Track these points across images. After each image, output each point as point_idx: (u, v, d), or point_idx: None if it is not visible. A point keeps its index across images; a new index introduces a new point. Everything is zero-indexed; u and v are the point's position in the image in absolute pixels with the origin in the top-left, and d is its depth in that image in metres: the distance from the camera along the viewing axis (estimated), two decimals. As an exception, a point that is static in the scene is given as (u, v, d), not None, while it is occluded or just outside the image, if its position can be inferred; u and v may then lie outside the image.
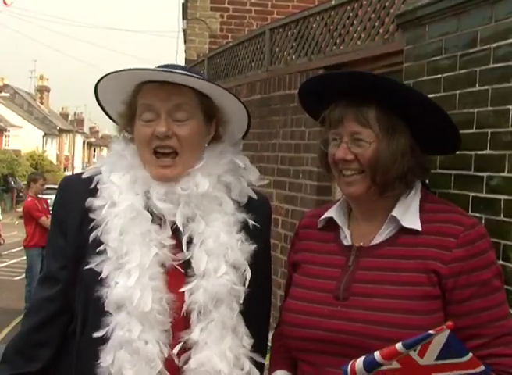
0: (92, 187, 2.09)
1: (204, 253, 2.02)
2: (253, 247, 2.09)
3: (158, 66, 2.13)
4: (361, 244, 2.02)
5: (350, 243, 2.04)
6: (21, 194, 37.89)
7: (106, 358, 1.94)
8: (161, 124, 2.03)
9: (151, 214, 2.04)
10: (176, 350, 1.97)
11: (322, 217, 2.13)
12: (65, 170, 63.12)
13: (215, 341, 1.99)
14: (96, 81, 2.13)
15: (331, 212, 2.12)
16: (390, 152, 1.94)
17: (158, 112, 2.05)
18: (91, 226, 2.04)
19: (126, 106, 2.13)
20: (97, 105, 2.23)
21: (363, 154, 1.95)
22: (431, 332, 1.60)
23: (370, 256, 1.98)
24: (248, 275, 2.06)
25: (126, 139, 2.18)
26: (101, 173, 2.12)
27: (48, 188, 13.41)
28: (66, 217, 2.10)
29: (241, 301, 2.04)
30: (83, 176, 2.16)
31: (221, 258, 2.03)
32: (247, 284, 2.05)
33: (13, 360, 2.10)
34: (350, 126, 1.96)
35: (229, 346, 2.01)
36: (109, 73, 2.09)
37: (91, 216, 2.04)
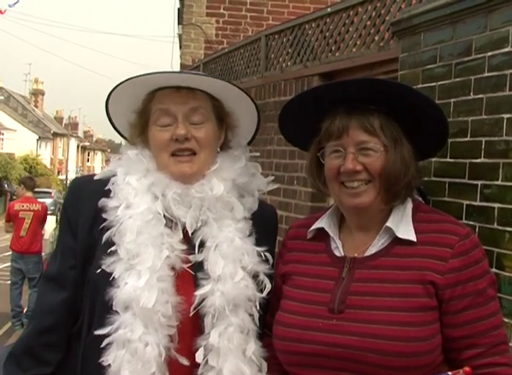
0: (106, 188, 2.10)
1: (219, 257, 2.03)
2: (265, 253, 2.10)
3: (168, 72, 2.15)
4: (355, 255, 2.00)
5: (342, 254, 2.02)
6: (14, 197, 37.76)
7: (108, 356, 1.95)
8: (180, 127, 2.05)
9: (164, 217, 2.05)
10: (199, 357, 1.97)
11: (312, 228, 2.11)
12: (58, 174, 63.01)
13: (238, 346, 2.00)
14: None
15: (321, 223, 2.10)
16: (402, 160, 1.94)
17: (174, 116, 2.07)
18: (103, 226, 2.04)
19: (139, 114, 2.14)
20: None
21: (372, 163, 1.93)
22: (449, 373, 1.67)
23: (364, 268, 1.96)
24: (268, 284, 2.08)
25: (138, 145, 2.17)
26: (115, 175, 2.12)
27: (41, 192, 13.37)
28: (78, 217, 2.10)
29: (258, 307, 2.05)
30: (96, 177, 2.17)
31: (237, 263, 2.04)
32: (265, 292, 2.07)
33: (22, 361, 2.09)
34: (356, 136, 1.94)
35: (252, 351, 2.02)
36: (127, 80, 2.09)
37: (104, 216, 2.05)
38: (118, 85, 2.12)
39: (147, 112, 2.12)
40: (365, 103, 1.96)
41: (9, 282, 11.14)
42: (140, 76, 2.08)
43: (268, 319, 2.15)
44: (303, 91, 2.16)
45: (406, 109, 1.97)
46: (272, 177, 2.32)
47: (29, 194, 10.94)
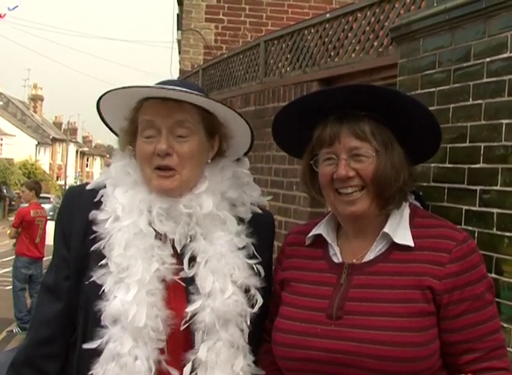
0: (96, 199, 2.09)
1: (209, 272, 2.02)
2: (258, 266, 2.09)
3: (160, 82, 2.14)
4: (354, 261, 2.00)
5: (340, 260, 2.03)
6: (13, 203, 37.71)
7: (98, 369, 1.94)
8: (161, 141, 2.03)
9: (154, 230, 2.04)
10: (186, 372, 1.96)
11: (310, 234, 2.11)
12: (57, 179, 62.98)
13: (226, 361, 1.98)
14: (96, 98, 2.14)
15: (319, 229, 2.10)
16: (393, 165, 1.95)
17: (159, 128, 2.05)
18: (94, 238, 2.04)
19: (129, 122, 2.14)
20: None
21: (364, 169, 1.93)
22: None
23: (362, 274, 1.96)
24: (260, 299, 2.06)
25: (128, 154, 2.18)
26: (105, 187, 2.12)
27: (40, 197, 13.35)
28: (71, 228, 2.10)
29: (249, 322, 2.03)
30: (88, 187, 2.16)
31: (227, 278, 2.03)
32: (256, 307, 2.05)
33: (22, 372, 2.09)
34: (347, 142, 1.95)
35: (241, 367, 2.01)
36: (108, 91, 2.09)
37: (94, 228, 2.04)
38: (102, 95, 2.12)
39: (136, 121, 2.11)
40: (356, 109, 1.97)
41: (10, 288, 11.12)
42: (123, 88, 2.06)
43: (267, 325, 2.16)
44: (290, 101, 2.15)
45: (398, 115, 1.98)
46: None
47: (36, 199, 10.91)
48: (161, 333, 1.95)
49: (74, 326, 2.08)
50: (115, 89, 2.08)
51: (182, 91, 2.02)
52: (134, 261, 1.99)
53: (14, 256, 10.94)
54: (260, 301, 2.06)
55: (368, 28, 4.54)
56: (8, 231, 11.35)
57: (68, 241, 2.10)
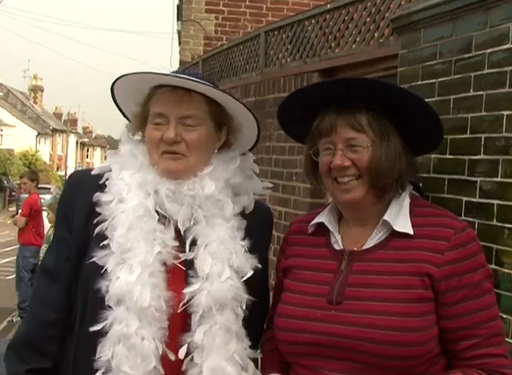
0: (101, 182, 2.11)
1: (208, 256, 2.05)
2: (255, 253, 2.11)
3: (172, 72, 2.18)
4: (354, 248, 2.03)
5: (341, 247, 2.06)
6: (13, 193, 37.73)
7: (106, 352, 1.95)
8: (170, 130, 2.06)
9: (157, 213, 2.06)
10: (182, 353, 1.98)
11: (313, 222, 2.15)
12: (58, 170, 62.97)
13: (222, 345, 2.01)
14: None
15: (321, 218, 2.14)
16: (389, 155, 1.97)
17: (168, 117, 2.08)
18: (97, 220, 2.06)
19: (141, 108, 2.17)
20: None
21: (360, 159, 1.97)
22: None
23: (362, 260, 1.99)
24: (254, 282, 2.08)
25: (134, 140, 2.20)
26: (110, 171, 2.13)
27: (40, 188, 13.39)
28: (73, 210, 2.12)
29: (244, 307, 2.06)
30: (93, 172, 2.18)
31: (225, 262, 2.05)
32: (247, 293, 2.07)
33: (23, 353, 2.09)
34: (344, 133, 1.98)
35: (235, 350, 2.03)
36: (122, 76, 2.12)
37: (98, 210, 2.06)
38: (117, 79, 2.14)
39: (147, 109, 2.14)
40: (356, 100, 1.99)
41: (11, 277, 11.12)
42: (137, 73, 2.10)
43: (270, 313, 2.20)
44: (292, 93, 2.18)
45: (398, 107, 2.00)
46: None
47: (36, 190, 10.96)
48: (163, 314, 1.97)
49: (71, 308, 2.09)
50: (126, 74, 2.11)
51: (195, 80, 2.04)
52: (137, 242, 2.01)
53: (18, 246, 10.94)
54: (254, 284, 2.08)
55: (368, 19, 4.53)
56: (9, 221, 11.37)
57: (70, 223, 2.12)
